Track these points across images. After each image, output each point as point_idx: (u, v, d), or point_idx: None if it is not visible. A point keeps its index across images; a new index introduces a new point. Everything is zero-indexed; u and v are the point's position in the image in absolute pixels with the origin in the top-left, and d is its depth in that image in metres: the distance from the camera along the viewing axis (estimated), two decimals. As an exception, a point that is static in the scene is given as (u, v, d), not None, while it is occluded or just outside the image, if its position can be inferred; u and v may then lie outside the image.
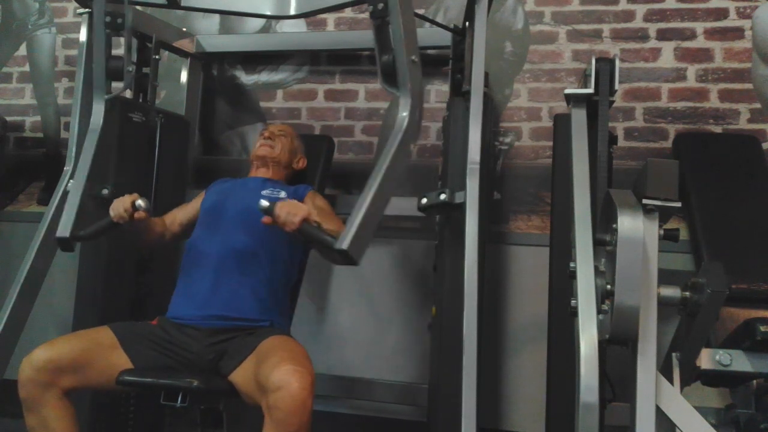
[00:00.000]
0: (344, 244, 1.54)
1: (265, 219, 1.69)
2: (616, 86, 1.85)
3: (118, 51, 2.19)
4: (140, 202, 1.84)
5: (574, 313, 1.49)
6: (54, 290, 2.49)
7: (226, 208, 2.04)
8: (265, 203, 1.68)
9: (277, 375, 1.54)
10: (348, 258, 1.55)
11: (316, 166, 2.39)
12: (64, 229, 1.96)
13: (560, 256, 1.92)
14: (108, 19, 2.09)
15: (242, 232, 1.97)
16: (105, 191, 2.10)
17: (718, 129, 2.48)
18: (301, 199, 2.09)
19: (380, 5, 1.69)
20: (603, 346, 1.50)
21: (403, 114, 1.72)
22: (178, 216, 2.15)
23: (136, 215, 1.85)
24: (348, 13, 2.80)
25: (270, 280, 1.96)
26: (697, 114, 2.50)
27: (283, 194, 2.08)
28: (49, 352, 1.69)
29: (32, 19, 3.16)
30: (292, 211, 1.67)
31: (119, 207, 1.85)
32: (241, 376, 1.74)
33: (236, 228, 1.98)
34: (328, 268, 2.70)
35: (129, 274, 2.33)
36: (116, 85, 2.20)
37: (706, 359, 1.65)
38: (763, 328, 1.58)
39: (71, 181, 2.14)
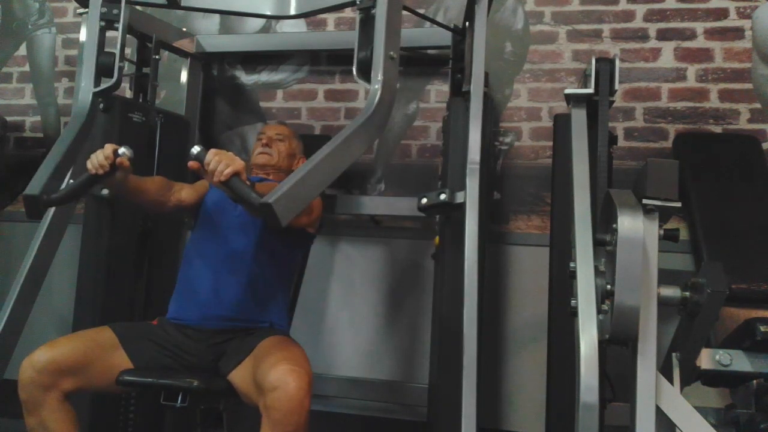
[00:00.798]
0: (271, 198, 1.41)
1: (192, 163, 1.55)
2: (616, 86, 1.85)
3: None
4: (124, 149, 1.67)
5: (574, 313, 1.49)
6: (54, 290, 2.49)
7: (226, 210, 2.03)
8: (196, 148, 1.53)
9: (274, 375, 1.54)
10: (271, 214, 1.40)
11: (316, 166, 2.38)
12: (33, 187, 1.72)
13: (560, 256, 1.93)
14: (104, 9, 2.07)
15: (242, 233, 1.96)
16: (104, 191, 2.10)
17: (718, 129, 2.48)
18: None
19: None
20: (603, 346, 1.50)
21: (371, 102, 1.67)
22: (183, 192, 2.06)
23: (118, 161, 1.67)
24: (348, 13, 2.80)
25: (270, 281, 1.96)
26: (697, 114, 2.50)
27: None
28: (50, 353, 1.68)
29: (32, 19, 3.16)
30: (224, 161, 1.51)
31: (99, 156, 1.68)
32: (239, 376, 1.74)
33: (236, 229, 1.97)
34: (328, 268, 2.70)
35: (129, 274, 2.33)
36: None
37: (706, 359, 1.65)
38: (763, 328, 1.58)
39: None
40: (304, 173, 1.49)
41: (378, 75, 1.67)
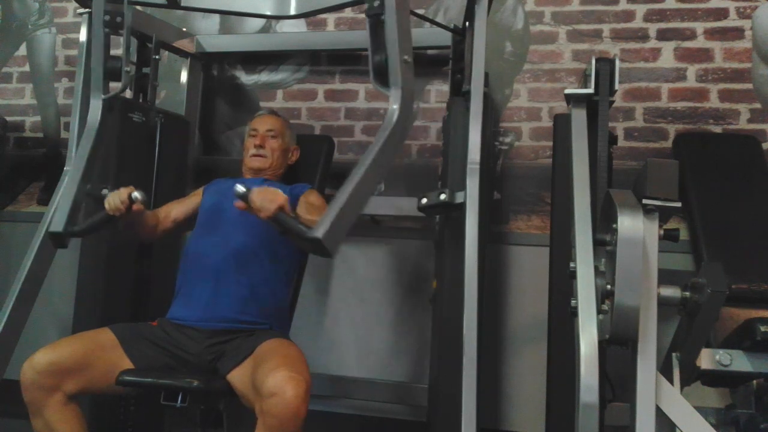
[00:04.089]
0: (319, 232, 1.47)
1: (239, 204, 1.64)
2: (616, 86, 1.85)
3: (119, 51, 2.18)
4: (137, 194, 1.82)
5: (574, 313, 1.50)
6: (54, 290, 2.49)
7: (225, 209, 2.03)
8: (241, 188, 1.62)
9: (271, 381, 1.54)
10: (322, 248, 1.48)
11: (316, 166, 2.38)
12: (57, 224, 1.92)
13: (560, 256, 1.92)
14: (107, 18, 2.08)
15: (242, 232, 1.97)
16: (105, 191, 2.10)
17: (718, 129, 2.48)
18: (297, 198, 2.09)
19: (376, 2, 1.68)
20: (603, 346, 1.50)
21: (393, 109, 1.69)
22: (173, 212, 2.13)
23: (134, 207, 1.83)
24: (348, 13, 2.80)
25: (270, 281, 1.96)
26: (697, 114, 2.50)
27: None
28: (50, 355, 1.69)
29: (32, 19, 3.16)
30: (268, 197, 1.61)
31: (115, 199, 1.82)
32: (237, 377, 1.74)
33: (236, 229, 1.98)
34: (328, 268, 2.70)
35: (129, 275, 2.33)
36: (115, 85, 2.19)
37: (706, 359, 1.65)
38: (763, 328, 1.58)
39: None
40: (344, 201, 1.53)
41: (397, 81, 1.69)
